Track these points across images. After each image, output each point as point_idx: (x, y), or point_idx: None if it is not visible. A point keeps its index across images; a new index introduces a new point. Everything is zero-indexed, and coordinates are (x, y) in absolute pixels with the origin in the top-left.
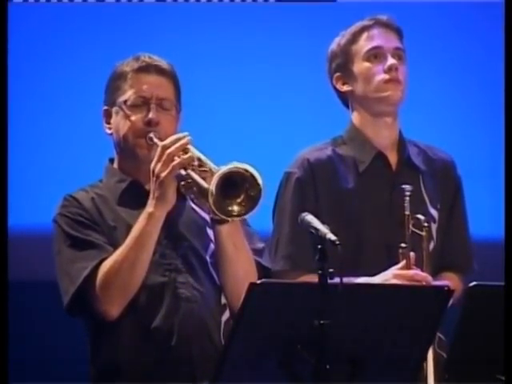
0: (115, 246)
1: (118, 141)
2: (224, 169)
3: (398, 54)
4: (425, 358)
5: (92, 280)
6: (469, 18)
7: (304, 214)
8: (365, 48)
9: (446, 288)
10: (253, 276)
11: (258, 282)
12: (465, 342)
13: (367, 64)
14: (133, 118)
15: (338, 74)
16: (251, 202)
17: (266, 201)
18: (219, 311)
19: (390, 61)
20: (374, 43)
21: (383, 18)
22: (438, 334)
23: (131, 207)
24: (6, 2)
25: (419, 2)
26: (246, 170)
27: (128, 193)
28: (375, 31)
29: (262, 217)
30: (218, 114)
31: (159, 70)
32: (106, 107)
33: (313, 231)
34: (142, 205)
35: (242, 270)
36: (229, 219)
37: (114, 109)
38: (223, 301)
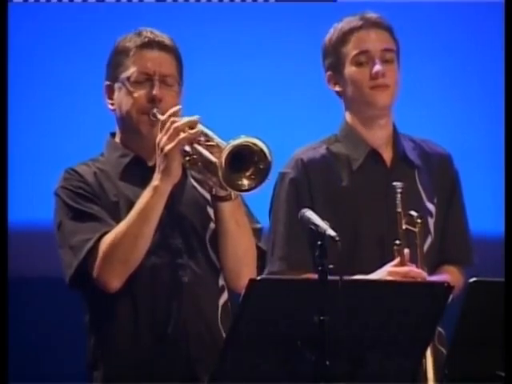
0: (117, 222)
1: (121, 117)
2: (234, 142)
3: (386, 55)
4: (424, 354)
5: (94, 252)
6: (469, 18)
7: (304, 210)
8: (353, 52)
9: (445, 284)
10: (252, 254)
11: (258, 278)
12: (465, 338)
13: (354, 68)
14: (136, 94)
15: (329, 72)
16: (261, 176)
17: (264, 201)
18: (217, 294)
19: (377, 67)
20: (362, 47)
21: (373, 16)
22: (438, 329)
23: (134, 183)
24: (6, 2)
25: (419, 1)
26: (255, 144)
27: (130, 168)
28: (363, 33)
29: (260, 217)
30: (217, 113)
31: (162, 46)
32: (108, 82)
33: (312, 227)
34: (144, 181)
35: (242, 248)
36: (238, 193)
37: (117, 85)
38: (221, 283)
